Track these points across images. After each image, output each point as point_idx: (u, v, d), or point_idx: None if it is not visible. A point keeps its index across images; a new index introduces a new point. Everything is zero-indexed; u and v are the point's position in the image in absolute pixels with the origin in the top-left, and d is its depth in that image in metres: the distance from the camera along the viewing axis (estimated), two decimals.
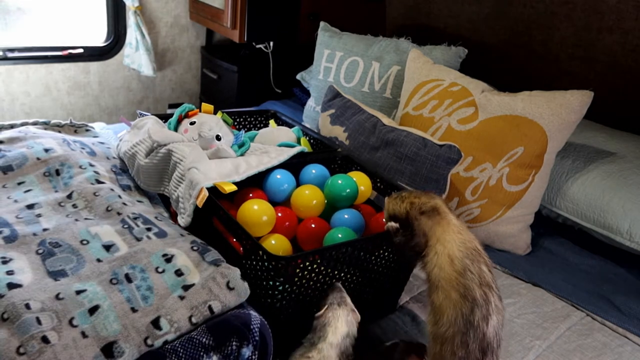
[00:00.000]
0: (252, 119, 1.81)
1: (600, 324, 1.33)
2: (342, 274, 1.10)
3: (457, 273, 0.94)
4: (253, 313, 0.99)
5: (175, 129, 1.48)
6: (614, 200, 1.54)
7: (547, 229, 1.74)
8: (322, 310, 0.99)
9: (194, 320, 0.96)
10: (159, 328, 0.93)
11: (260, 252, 1.02)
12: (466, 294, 0.92)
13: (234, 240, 1.17)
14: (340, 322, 0.99)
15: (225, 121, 1.52)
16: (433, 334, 0.95)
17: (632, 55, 1.79)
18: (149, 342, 0.91)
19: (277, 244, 1.17)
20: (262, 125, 1.83)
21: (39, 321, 0.89)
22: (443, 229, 1.00)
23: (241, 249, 1.12)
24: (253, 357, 0.95)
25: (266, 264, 1.02)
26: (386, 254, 1.15)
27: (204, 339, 0.92)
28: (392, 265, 1.18)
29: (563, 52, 1.99)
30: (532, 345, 1.23)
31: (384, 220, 1.13)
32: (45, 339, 0.86)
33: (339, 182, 1.30)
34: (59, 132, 1.65)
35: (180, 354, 0.89)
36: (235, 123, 1.76)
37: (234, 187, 1.20)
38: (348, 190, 1.30)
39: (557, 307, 1.38)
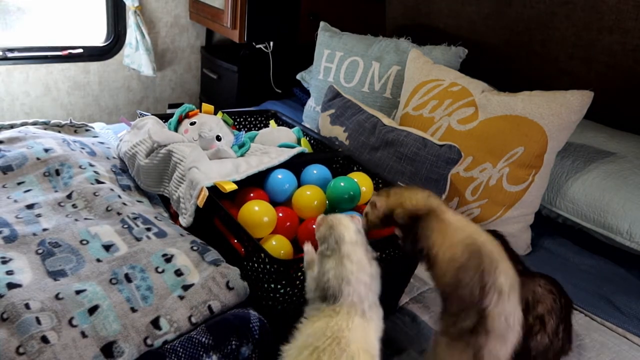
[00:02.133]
0: (252, 119, 1.81)
1: (599, 324, 1.33)
2: None
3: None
4: (252, 312, 0.99)
5: (176, 130, 1.48)
6: (614, 200, 1.54)
7: (547, 229, 1.73)
8: (319, 217, 0.83)
9: (193, 320, 0.96)
10: (159, 328, 0.93)
11: (262, 255, 1.02)
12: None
13: (235, 241, 1.16)
14: (345, 220, 0.85)
15: (225, 121, 1.52)
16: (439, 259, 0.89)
17: (632, 55, 1.79)
18: (149, 342, 0.91)
19: (277, 245, 1.17)
20: (262, 125, 1.83)
21: (38, 321, 0.89)
22: (442, 233, 0.92)
23: (242, 250, 1.12)
24: (253, 355, 0.95)
25: (268, 266, 1.02)
26: (387, 257, 1.15)
27: (204, 339, 0.92)
28: (393, 268, 1.18)
29: (563, 52, 1.99)
30: None
31: (364, 213, 1.07)
32: (44, 339, 0.86)
33: (341, 184, 1.30)
34: (59, 132, 1.65)
35: (180, 354, 0.89)
36: (236, 123, 1.76)
37: (234, 186, 1.20)
38: (350, 193, 1.29)
39: None
